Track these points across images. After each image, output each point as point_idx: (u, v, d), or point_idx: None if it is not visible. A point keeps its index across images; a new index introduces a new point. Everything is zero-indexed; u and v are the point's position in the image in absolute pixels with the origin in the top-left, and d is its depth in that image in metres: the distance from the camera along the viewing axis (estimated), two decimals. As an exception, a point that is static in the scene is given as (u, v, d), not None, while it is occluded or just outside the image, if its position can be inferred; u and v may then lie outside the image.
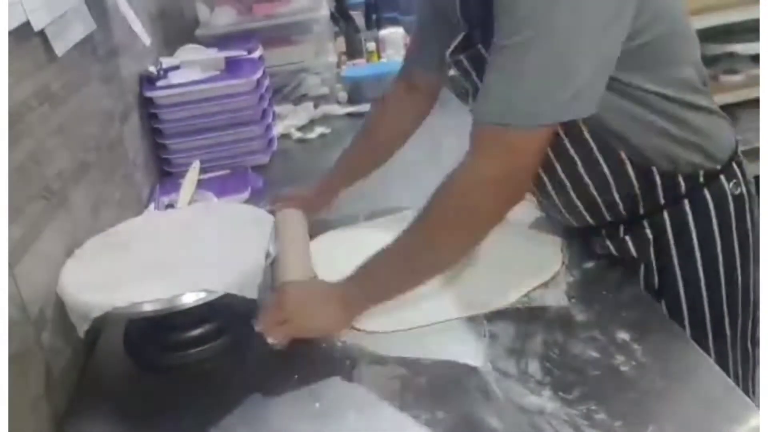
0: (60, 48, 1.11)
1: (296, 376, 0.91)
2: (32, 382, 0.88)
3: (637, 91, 0.92)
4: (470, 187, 0.88)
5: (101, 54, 1.35)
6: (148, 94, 1.57)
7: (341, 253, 1.13)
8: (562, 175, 1.01)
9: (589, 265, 1.05)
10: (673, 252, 1.01)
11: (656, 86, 0.93)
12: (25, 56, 1.00)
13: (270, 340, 0.94)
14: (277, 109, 1.89)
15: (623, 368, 0.84)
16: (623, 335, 0.89)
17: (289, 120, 1.86)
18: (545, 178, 1.03)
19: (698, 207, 0.99)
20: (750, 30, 2.61)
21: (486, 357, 0.89)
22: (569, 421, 0.77)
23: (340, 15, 2.37)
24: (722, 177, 1.00)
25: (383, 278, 0.96)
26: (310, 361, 0.94)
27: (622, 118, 0.93)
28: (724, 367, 0.96)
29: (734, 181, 1.01)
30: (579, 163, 0.98)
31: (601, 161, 0.97)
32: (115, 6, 1.40)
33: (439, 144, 1.61)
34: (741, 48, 2.78)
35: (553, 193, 1.05)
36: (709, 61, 2.88)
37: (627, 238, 1.02)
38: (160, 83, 1.59)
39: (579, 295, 0.98)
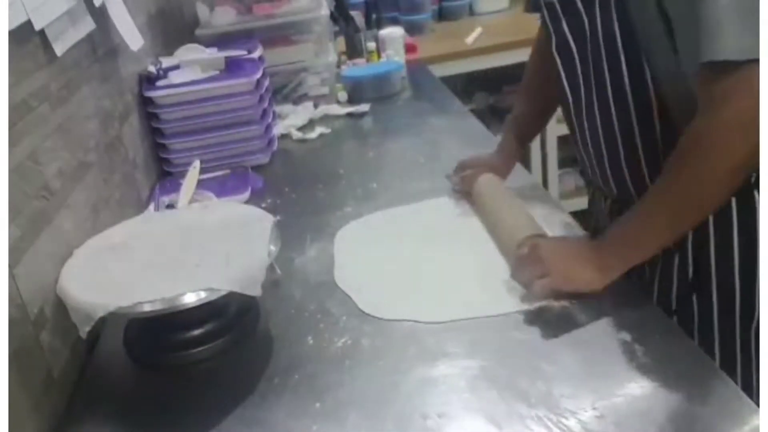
0: (60, 48, 1.10)
1: (296, 376, 0.91)
2: (32, 382, 0.87)
3: None
4: (725, 135, 0.83)
5: (101, 54, 1.34)
6: (148, 93, 1.56)
7: (366, 240, 1.21)
8: (619, 138, 1.01)
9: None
10: (711, 244, 0.99)
11: None
12: (25, 56, 1.00)
13: (536, 294, 0.95)
14: (277, 108, 1.89)
15: (624, 369, 0.84)
16: (624, 335, 0.89)
17: (289, 120, 1.86)
18: (602, 137, 1.04)
19: (743, 202, 0.97)
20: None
21: (486, 357, 0.89)
22: (569, 421, 0.77)
23: (340, 15, 2.36)
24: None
25: (641, 239, 0.94)
26: (310, 360, 0.94)
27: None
28: (747, 370, 0.95)
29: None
30: (636, 128, 0.99)
31: (658, 130, 0.97)
32: (119, 3, 1.40)
33: (440, 144, 1.61)
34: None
35: (605, 155, 1.05)
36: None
37: None
38: (159, 83, 1.59)
39: (579, 295, 0.98)
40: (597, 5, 0.97)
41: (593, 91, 1.03)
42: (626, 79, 0.97)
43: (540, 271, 0.95)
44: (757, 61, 0.79)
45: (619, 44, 0.96)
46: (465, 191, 1.26)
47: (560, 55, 1.07)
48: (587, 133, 1.08)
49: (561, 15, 1.03)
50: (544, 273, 0.95)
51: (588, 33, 1.00)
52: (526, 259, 0.99)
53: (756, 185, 0.96)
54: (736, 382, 0.82)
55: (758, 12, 0.79)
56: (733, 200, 0.96)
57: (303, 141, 1.79)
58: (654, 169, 0.99)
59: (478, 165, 1.26)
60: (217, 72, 1.63)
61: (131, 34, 1.42)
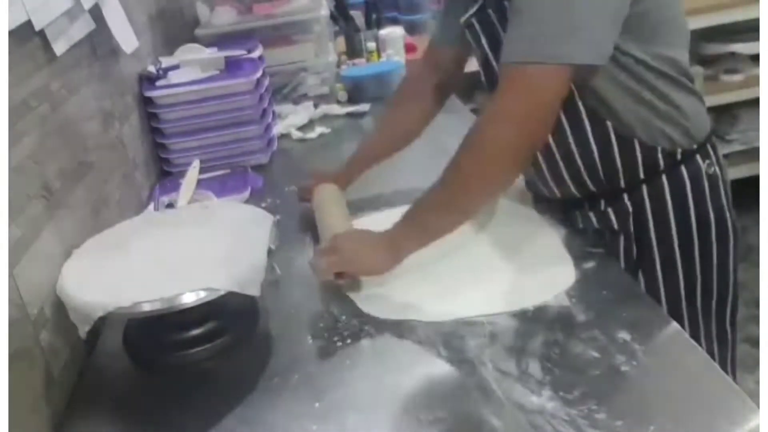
0: (59, 48, 1.10)
1: (296, 376, 0.91)
2: (32, 382, 0.88)
3: (630, 60, 0.98)
4: (496, 123, 0.95)
5: (101, 54, 1.34)
6: (148, 93, 1.57)
7: None
8: (552, 143, 1.07)
9: (590, 265, 1.05)
10: (651, 225, 1.07)
11: (648, 58, 0.99)
12: (25, 56, 1.00)
13: (319, 271, 1.04)
14: (277, 108, 1.89)
15: (624, 368, 0.84)
16: (624, 335, 0.89)
17: (289, 119, 1.86)
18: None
19: (675, 183, 1.06)
20: (750, 29, 2.61)
21: (487, 357, 0.89)
22: (569, 421, 0.77)
23: (340, 14, 2.37)
24: (698, 156, 1.07)
25: (425, 222, 1.04)
26: (310, 360, 0.94)
27: (613, 86, 1.00)
28: (696, 339, 0.99)
29: (708, 161, 1.08)
30: (568, 131, 1.04)
31: (588, 130, 1.03)
32: (115, 5, 1.40)
33: (439, 144, 1.61)
34: (741, 48, 2.78)
35: (542, 160, 1.11)
36: (709, 60, 2.88)
37: (609, 210, 1.09)
38: (159, 83, 1.59)
39: (579, 295, 0.98)
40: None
41: None
42: None
43: (334, 260, 1.03)
44: (532, 63, 0.91)
45: None
46: (304, 199, 1.33)
47: (484, 70, 1.13)
48: None
49: (480, 33, 1.08)
50: (338, 262, 1.03)
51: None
52: (324, 250, 1.06)
53: (683, 161, 1.06)
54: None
55: (546, 21, 0.90)
56: (664, 178, 1.06)
57: (303, 141, 1.79)
58: (591, 165, 1.07)
59: (319, 176, 1.33)
60: (217, 72, 1.63)
61: (126, 36, 1.42)
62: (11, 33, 0.93)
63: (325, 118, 1.90)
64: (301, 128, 1.84)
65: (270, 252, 0.99)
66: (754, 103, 2.78)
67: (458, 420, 0.80)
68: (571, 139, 1.05)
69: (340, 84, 2.06)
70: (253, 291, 0.92)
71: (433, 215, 1.03)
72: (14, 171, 0.89)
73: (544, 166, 1.12)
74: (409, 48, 2.41)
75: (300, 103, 1.97)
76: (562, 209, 1.16)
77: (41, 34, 1.05)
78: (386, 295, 1.04)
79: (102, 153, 1.26)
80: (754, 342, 2.24)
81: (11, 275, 0.85)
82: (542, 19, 0.90)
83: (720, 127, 2.84)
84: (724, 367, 1.14)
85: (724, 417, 0.76)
